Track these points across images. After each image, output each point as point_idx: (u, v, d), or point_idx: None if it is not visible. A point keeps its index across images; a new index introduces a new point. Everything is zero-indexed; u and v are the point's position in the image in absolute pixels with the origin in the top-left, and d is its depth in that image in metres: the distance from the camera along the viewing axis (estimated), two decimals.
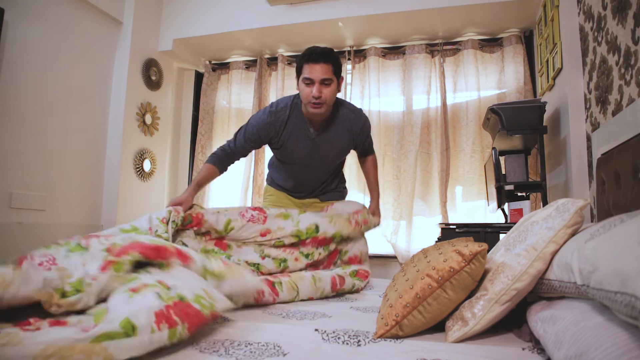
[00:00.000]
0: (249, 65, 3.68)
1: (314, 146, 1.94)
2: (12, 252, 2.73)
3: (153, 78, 3.38)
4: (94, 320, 0.78)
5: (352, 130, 1.96)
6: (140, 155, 3.28)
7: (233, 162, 2.00)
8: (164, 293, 0.80)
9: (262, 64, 3.59)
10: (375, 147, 3.27)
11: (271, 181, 2.23)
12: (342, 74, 1.87)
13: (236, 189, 3.50)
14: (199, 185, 1.88)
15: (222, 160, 1.95)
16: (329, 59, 1.77)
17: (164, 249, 0.93)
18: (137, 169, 3.25)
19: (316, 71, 1.76)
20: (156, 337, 0.71)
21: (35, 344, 0.62)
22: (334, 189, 2.18)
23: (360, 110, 2.04)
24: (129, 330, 0.68)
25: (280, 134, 1.90)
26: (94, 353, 0.63)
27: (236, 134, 1.96)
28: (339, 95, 1.95)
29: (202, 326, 0.84)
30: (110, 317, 0.72)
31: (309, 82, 1.77)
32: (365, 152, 2.21)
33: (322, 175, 2.09)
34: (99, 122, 3.09)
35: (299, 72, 1.83)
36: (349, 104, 2.04)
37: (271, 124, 1.88)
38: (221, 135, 3.67)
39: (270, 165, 2.24)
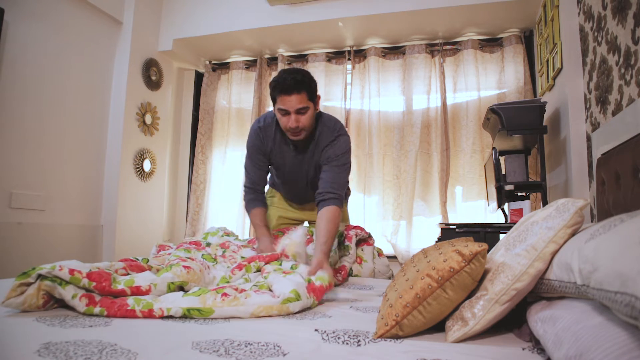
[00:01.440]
0: (249, 65, 3.68)
1: (295, 162, 1.93)
2: (12, 252, 2.70)
3: (153, 78, 3.38)
4: (259, 287, 1.27)
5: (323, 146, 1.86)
6: (140, 155, 3.28)
7: (263, 194, 2.03)
8: (302, 277, 1.35)
9: (262, 64, 3.59)
10: (375, 147, 3.31)
11: (273, 184, 2.27)
12: (317, 93, 1.80)
13: (236, 188, 3.51)
14: (265, 226, 1.91)
15: (257, 199, 1.98)
16: (301, 88, 1.68)
17: (275, 256, 1.61)
18: (137, 169, 3.25)
19: (290, 102, 1.69)
20: (309, 301, 1.23)
21: (252, 305, 1.10)
22: None
23: (338, 127, 1.88)
24: (297, 296, 1.18)
25: (270, 149, 1.93)
26: (282, 310, 1.13)
27: (245, 172, 1.99)
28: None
29: (323, 294, 1.34)
30: (280, 290, 1.19)
31: (285, 112, 1.72)
32: (324, 187, 1.78)
33: (313, 187, 2.00)
34: (99, 122, 3.09)
35: (273, 101, 1.76)
36: (329, 119, 1.91)
37: (262, 140, 1.91)
38: (221, 135, 3.67)
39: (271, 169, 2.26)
